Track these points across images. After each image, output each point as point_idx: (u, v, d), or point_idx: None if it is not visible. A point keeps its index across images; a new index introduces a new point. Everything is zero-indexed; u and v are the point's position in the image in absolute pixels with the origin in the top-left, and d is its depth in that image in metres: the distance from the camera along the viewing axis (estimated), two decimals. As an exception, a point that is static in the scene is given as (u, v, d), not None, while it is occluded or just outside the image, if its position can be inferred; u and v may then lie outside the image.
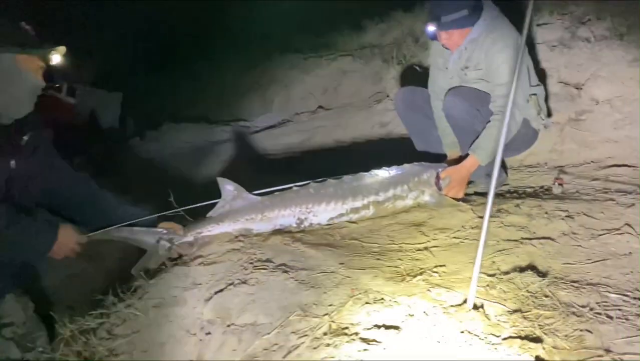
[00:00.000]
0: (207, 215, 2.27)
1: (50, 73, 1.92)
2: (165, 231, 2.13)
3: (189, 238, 2.15)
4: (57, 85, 4.71)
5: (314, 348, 1.48)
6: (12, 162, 1.88)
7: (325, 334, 1.51)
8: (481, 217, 2.14)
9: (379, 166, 2.45)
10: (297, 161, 4.31)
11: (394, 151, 3.72)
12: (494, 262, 1.78)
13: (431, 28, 2.46)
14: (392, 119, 4.17)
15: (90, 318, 1.87)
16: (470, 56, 2.52)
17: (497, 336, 1.38)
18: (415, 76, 4.25)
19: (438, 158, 2.82)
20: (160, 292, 1.86)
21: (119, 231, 2.08)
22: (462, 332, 1.40)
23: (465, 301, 1.52)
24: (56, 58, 1.91)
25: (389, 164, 2.47)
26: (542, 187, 2.60)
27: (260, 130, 5.11)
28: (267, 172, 4.03)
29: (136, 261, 2.12)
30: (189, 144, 5.09)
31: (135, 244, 2.14)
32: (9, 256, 1.80)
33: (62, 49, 1.91)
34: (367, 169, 2.43)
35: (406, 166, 2.47)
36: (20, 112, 1.89)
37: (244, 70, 6.32)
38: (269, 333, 1.61)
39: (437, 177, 2.47)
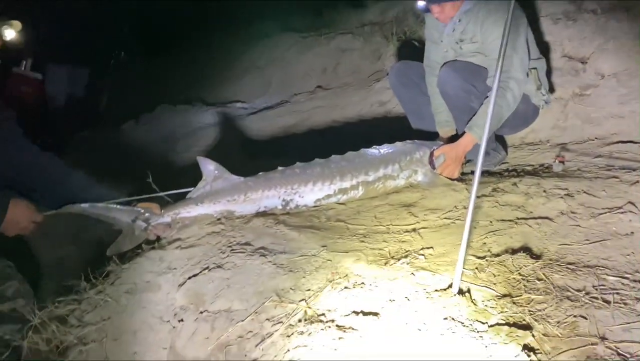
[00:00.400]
0: (187, 196, 2.17)
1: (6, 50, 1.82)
2: (142, 210, 2.03)
3: (166, 218, 2.05)
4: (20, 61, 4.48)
5: (288, 336, 1.38)
6: None
7: (300, 321, 1.42)
8: (477, 196, 2.05)
9: (370, 144, 2.34)
10: (292, 142, 4.20)
11: (393, 130, 3.58)
12: (484, 243, 1.67)
13: (421, 2, 2.32)
14: (391, 98, 4.03)
15: (60, 304, 1.78)
16: (465, 29, 2.38)
17: (484, 323, 1.28)
18: (415, 52, 4.09)
19: (434, 136, 2.70)
20: (133, 277, 1.78)
21: (95, 208, 1.99)
22: (445, 318, 1.30)
23: (450, 286, 1.41)
24: (9, 33, 1.86)
25: (387, 143, 2.35)
26: (542, 165, 2.47)
27: (257, 111, 4.99)
28: (261, 154, 3.93)
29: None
30: (183, 127, 4.98)
31: (110, 222, 2.04)
32: None
33: (17, 23, 1.89)
34: (359, 148, 2.31)
35: (398, 144, 2.35)
36: None
37: (241, 50, 6.18)
38: (242, 320, 1.52)
39: (431, 156, 2.35)
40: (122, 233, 2.02)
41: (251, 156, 3.89)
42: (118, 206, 2.01)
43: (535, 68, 2.46)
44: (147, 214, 2.02)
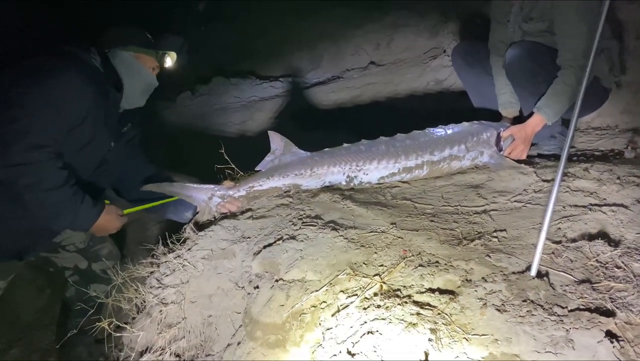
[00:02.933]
0: (256, 169, 2.23)
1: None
2: (216, 187, 2.11)
3: (242, 192, 2.12)
4: None
5: (364, 309, 1.43)
6: (112, 143, 2.12)
7: (375, 295, 1.46)
8: (546, 180, 2.03)
9: (434, 124, 2.33)
10: (346, 118, 4.22)
11: (450, 109, 3.56)
12: (559, 228, 1.65)
13: None
14: (449, 76, 3.99)
15: (141, 266, 1.89)
16: (534, 7, 2.31)
17: (563, 308, 1.28)
18: (476, 31, 4.01)
19: (496, 117, 2.66)
20: (209, 244, 1.86)
21: (173, 186, 2.10)
22: (524, 301, 1.31)
23: (528, 269, 1.42)
24: (168, 61, 2.20)
25: (444, 122, 2.34)
26: (612, 150, 2.41)
27: (309, 86, 5.02)
28: (315, 129, 3.97)
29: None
30: (238, 99, 5.07)
31: (188, 200, 2.14)
32: (42, 216, 1.85)
33: (174, 55, 2.21)
34: (420, 127, 2.31)
35: (464, 124, 2.33)
36: (132, 104, 2.17)
37: (294, 24, 6.17)
38: (317, 291, 1.57)
39: (498, 137, 2.32)
40: (199, 209, 2.12)
41: (305, 131, 3.93)
42: (194, 185, 2.10)
43: (608, 48, 2.38)
44: (222, 191, 2.10)
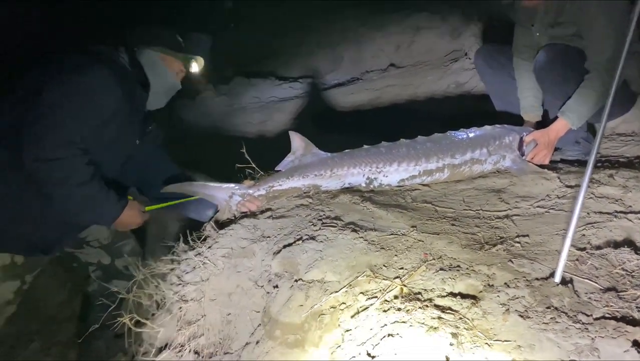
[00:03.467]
0: (276, 168, 2.24)
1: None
2: (237, 187, 2.12)
3: (262, 191, 2.13)
4: None
5: (384, 311, 1.42)
6: (137, 141, 2.17)
7: (396, 298, 1.45)
8: (569, 186, 2.00)
9: (454, 127, 2.31)
10: (365, 120, 4.21)
11: (471, 112, 3.53)
12: (584, 235, 1.63)
13: None
14: (470, 79, 3.96)
15: (161, 263, 1.91)
16: (561, 11, 2.28)
17: (588, 316, 1.26)
18: (499, 34, 3.97)
19: (518, 121, 2.63)
20: (230, 242, 1.87)
21: (193, 186, 2.12)
22: (548, 308, 1.29)
23: (551, 275, 1.40)
24: (194, 67, 2.23)
25: (465, 126, 2.32)
26: (638, 157, 2.36)
27: (329, 87, 5.02)
28: (334, 131, 3.97)
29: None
30: (257, 100, 5.09)
31: (208, 199, 2.16)
32: (69, 210, 1.89)
33: (201, 60, 2.24)
34: (440, 130, 2.29)
35: (487, 127, 2.31)
36: (155, 105, 2.20)
37: (313, 25, 6.18)
38: (336, 292, 1.57)
39: (521, 142, 2.29)
40: (219, 208, 2.13)
41: (323, 132, 3.93)
42: (215, 184, 2.12)
43: (638, 52, 2.34)
44: (242, 190, 2.11)
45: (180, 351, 1.71)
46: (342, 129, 4.13)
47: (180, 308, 1.75)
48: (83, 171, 1.81)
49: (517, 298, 1.34)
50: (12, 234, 1.90)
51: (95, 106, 1.84)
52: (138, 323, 1.81)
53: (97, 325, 2.08)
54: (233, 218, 2.07)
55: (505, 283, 1.40)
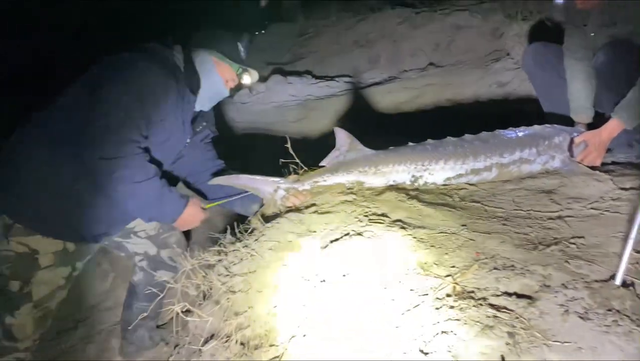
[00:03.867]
0: (321, 164, 2.24)
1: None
2: (282, 181, 2.14)
3: (306, 186, 2.14)
4: None
5: (436, 309, 1.41)
6: (187, 140, 2.18)
7: (448, 296, 1.43)
8: (624, 189, 1.94)
9: (497, 127, 2.27)
10: (403, 119, 4.18)
11: (513, 113, 3.47)
12: (643, 238, 1.57)
13: None
14: (512, 79, 3.88)
15: (208, 254, 1.93)
16: (617, 10, 2.21)
17: (652, 320, 1.22)
18: (543, 33, 3.89)
19: (566, 122, 2.57)
20: (276, 236, 1.88)
21: (239, 179, 2.14)
22: (609, 310, 1.26)
23: (611, 277, 1.36)
24: (247, 79, 2.21)
25: (508, 126, 2.28)
26: (696, 161, 2.28)
27: (366, 86, 4.99)
28: (371, 129, 3.94)
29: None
30: (294, 98, 5.11)
31: (254, 192, 2.18)
32: (132, 207, 1.93)
33: (255, 74, 2.24)
34: (481, 130, 2.26)
35: (536, 127, 2.26)
36: (201, 106, 2.19)
37: (351, 24, 6.16)
38: (385, 288, 1.56)
39: (571, 142, 2.24)
40: (264, 202, 2.15)
41: (361, 130, 3.91)
42: (261, 177, 2.14)
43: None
44: (287, 184, 2.13)
45: (226, 341, 1.72)
46: (379, 128, 4.10)
47: (228, 298, 1.77)
48: (145, 168, 1.84)
49: (576, 299, 1.31)
50: (65, 223, 1.95)
51: (154, 104, 1.88)
52: (186, 313, 1.84)
53: (146, 313, 2.13)
54: (278, 212, 2.08)
55: (563, 284, 1.37)
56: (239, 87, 2.28)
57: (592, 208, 1.82)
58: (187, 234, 2.39)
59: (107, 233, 2.11)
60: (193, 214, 2.06)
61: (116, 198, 1.86)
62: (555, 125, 2.29)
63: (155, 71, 1.89)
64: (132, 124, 1.80)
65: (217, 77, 2.15)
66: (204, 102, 2.20)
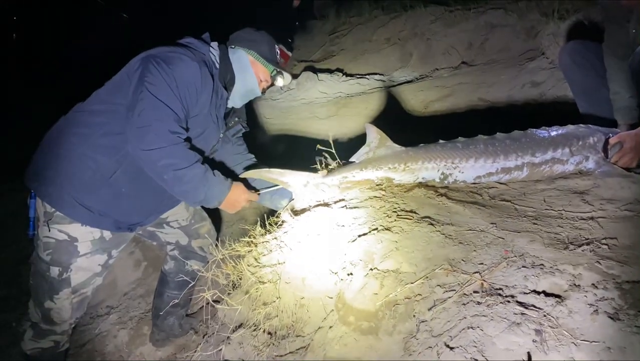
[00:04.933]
0: (350, 160, 2.26)
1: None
2: (312, 175, 2.17)
3: (335, 182, 2.16)
4: None
5: (463, 305, 1.42)
6: (220, 134, 2.24)
7: (475, 292, 1.44)
8: (660, 191, 1.89)
9: (530, 126, 2.24)
10: (434, 117, 4.16)
11: (548, 113, 3.41)
12: (679, 242, 1.54)
13: None
14: (547, 79, 3.81)
15: (239, 245, 1.98)
16: None
17: (685, 323, 1.20)
18: (580, 32, 3.80)
19: (605, 123, 2.51)
20: (305, 229, 1.91)
21: (271, 172, 2.18)
22: (639, 311, 1.24)
23: (644, 279, 1.34)
24: (280, 81, 2.26)
25: (542, 126, 2.24)
26: None
27: (397, 84, 4.98)
28: (402, 127, 3.94)
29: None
30: (324, 95, 5.14)
31: (284, 187, 2.22)
32: (178, 192, 1.96)
33: (288, 77, 2.28)
34: (514, 130, 2.23)
35: (570, 127, 2.22)
36: (233, 103, 2.24)
37: (383, 22, 6.16)
38: (412, 283, 1.58)
39: (606, 143, 2.19)
40: (294, 196, 2.19)
41: (391, 128, 3.92)
42: (291, 171, 2.17)
43: None
44: (317, 179, 2.16)
45: (254, 330, 1.77)
46: (410, 126, 4.10)
47: (257, 288, 1.81)
48: (188, 154, 1.89)
49: (606, 299, 1.30)
50: (104, 213, 2.02)
51: (192, 97, 1.93)
52: (215, 301, 1.89)
53: (177, 300, 2.19)
54: (308, 206, 2.11)
55: (593, 284, 1.36)
56: (271, 86, 2.32)
57: (626, 210, 1.79)
58: (217, 226, 2.45)
59: (142, 222, 2.19)
60: (238, 194, 2.09)
61: (164, 185, 1.91)
62: (590, 125, 2.25)
63: (194, 66, 1.94)
64: (173, 116, 1.86)
65: (252, 77, 2.20)
66: (236, 99, 2.24)
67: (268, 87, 2.33)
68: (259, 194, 2.23)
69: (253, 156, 2.49)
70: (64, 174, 1.96)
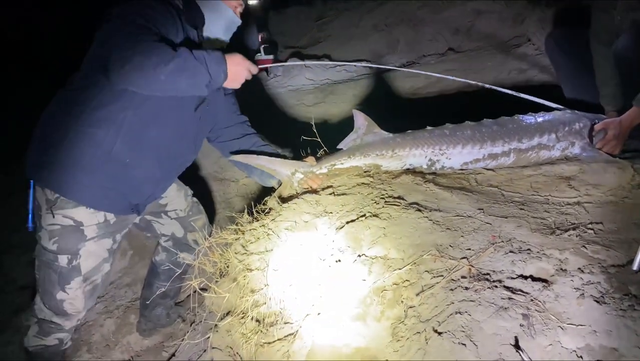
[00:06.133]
0: (338, 147, 2.25)
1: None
2: (300, 164, 2.15)
3: (323, 170, 2.15)
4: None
5: (451, 290, 1.42)
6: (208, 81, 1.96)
7: (463, 277, 1.44)
8: (644, 177, 1.91)
9: (508, 113, 2.25)
10: (422, 104, 4.15)
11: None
12: (663, 226, 1.56)
13: None
14: (533, 66, 3.83)
15: (226, 233, 1.96)
16: None
17: (669, 306, 1.22)
18: (566, 19, 3.81)
19: (590, 109, 2.53)
20: (293, 216, 1.90)
21: (259, 159, 2.15)
22: (625, 295, 1.26)
23: (629, 263, 1.36)
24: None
25: (526, 113, 2.25)
26: None
27: (384, 71, 4.95)
28: (389, 114, 3.92)
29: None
30: (311, 82, 5.10)
31: (272, 174, 2.20)
32: (186, 78, 1.78)
33: None
34: (500, 116, 2.23)
35: (556, 113, 2.23)
36: (216, 43, 2.06)
37: (370, 8, 6.10)
38: (400, 269, 1.58)
39: (592, 129, 2.21)
40: (282, 183, 2.17)
41: (379, 115, 3.90)
42: (279, 159, 2.15)
43: None
44: (304, 168, 2.14)
45: (242, 318, 1.76)
46: (398, 112, 4.07)
47: (245, 276, 1.80)
48: (166, 49, 1.73)
49: (592, 283, 1.31)
50: (107, 192, 1.94)
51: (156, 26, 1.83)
52: (203, 290, 1.87)
53: (163, 289, 2.17)
54: (295, 193, 2.10)
55: (579, 268, 1.37)
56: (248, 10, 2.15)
57: (611, 195, 1.80)
58: (210, 217, 2.41)
59: (153, 194, 2.12)
60: (237, 63, 1.90)
61: (168, 88, 1.78)
62: (576, 111, 2.26)
63: (156, 6, 1.84)
64: (147, 31, 1.75)
65: (224, 7, 2.06)
66: (219, 34, 2.09)
67: (244, 10, 2.18)
68: (258, 66, 2.06)
69: (246, 118, 2.41)
70: (64, 156, 1.87)
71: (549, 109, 2.29)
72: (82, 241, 1.96)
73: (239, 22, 2.13)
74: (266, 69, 5.39)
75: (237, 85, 1.97)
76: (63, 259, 1.95)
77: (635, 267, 1.32)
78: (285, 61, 5.60)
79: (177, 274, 2.21)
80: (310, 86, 5.07)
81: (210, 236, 1.97)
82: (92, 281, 2.05)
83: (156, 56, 1.69)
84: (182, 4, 1.97)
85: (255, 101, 4.94)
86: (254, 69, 2.00)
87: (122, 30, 1.73)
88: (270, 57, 5.13)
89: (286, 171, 2.16)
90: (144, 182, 2.03)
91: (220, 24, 2.08)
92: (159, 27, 1.83)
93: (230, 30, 2.13)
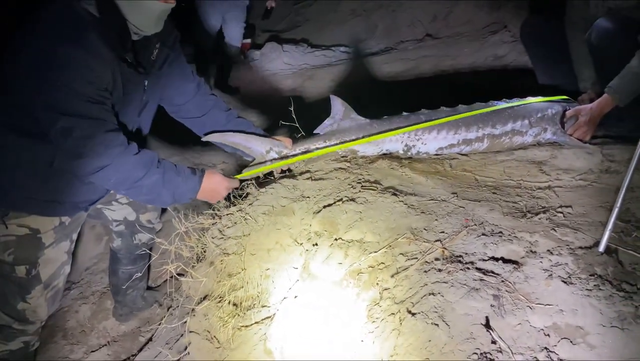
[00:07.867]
0: (314, 132, 2.25)
1: None
2: (276, 143, 2.14)
3: (297, 152, 2.14)
4: None
5: (425, 272, 1.45)
6: (146, 82, 1.86)
7: (437, 259, 1.47)
8: (613, 161, 1.97)
9: (484, 99, 2.28)
10: (399, 90, 4.17)
11: (509, 85, 3.47)
12: (628, 209, 1.61)
13: None
14: (509, 52, 3.88)
15: (203, 217, 1.96)
16: None
17: (632, 285, 1.27)
18: (543, 6, 3.86)
19: (563, 95, 2.58)
20: (270, 201, 1.90)
21: (234, 137, 2.12)
22: (591, 275, 1.30)
23: (595, 245, 1.40)
24: None
25: (501, 99, 2.29)
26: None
27: (362, 56, 4.96)
28: (367, 100, 3.94)
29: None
30: (289, 67, 5.07)
31: (246, 151, 2.17)
32: (148, 198, 1.78)
33: None
34: (475, 102, 2.27)
35: (530, 99, 2.27)
36: (149, 31, 1.78)
37: (349, -8, 6.09)
38: (376, 252, 1.60)
39: (564, 116, 2.26)
40: (256, 160, 2.15)
41: (356, 101, 3.91)
42: (256, 137, 2.13)
43: None
44: (279, 147, 2.13)
45: (220, 302, 1.77)
46: (375, 98, 4.09)
47: (222, 260, 1.80)
48: (137, 164, 1.67)
49: (560, 264, 1.35)
50: (61, 200, 1.87)
51: (100, 87, 1.65)
52: (180, 274, 1.87)
53: (140, 274, 2.15)
54: (272, 177, 2.10)
55: (548, 250, 1.41)
56: None
57: (580, 180, 1.86)
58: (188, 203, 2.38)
59: (93, 201, 2.07)
60: (215, 184, 1.86)
61: (126, 193, 1.78)
62: (549, 98, 2.31)
63: (74, 56, 1.56)
64: (96, 123, 1.60)
65: (145, 2, 1.69)
66: (149, 27, 1.76)
67: None
68: (238, 179, 2.03)
69: (202, 79, 2.20)
70: (7, 175, 1.77)
71: (523, 96, 2.32)
72: (41, 249, 1.88)
73: (168, 9, 1.75)
74: (243, 53, 5.32)
75: (212, 201, 1.95)
76: (21, 270, 1.86)
77: (601, 249, 1.37)
78: (263, 45, 5.56)
79: (142, 257, 2.18)
80: (288, 70, 5.04)
81: (185, 220, 1.95)
82: (53, 286, 1.98)
83: (121, 172, 1.66)
84: (96, 10, 1.65)
85: (231, 85, 4.89)
86: (234, 184, 1.96)
87: (75, 107, 1.55)
88: (248, 40, 5.07)
89: (261, 149, 2.14)
90: (93, 188, 1.93)
91: (148, 19, 1.74)
92: (99, 92, 1.64)
93: (162, 18, 1.79)
